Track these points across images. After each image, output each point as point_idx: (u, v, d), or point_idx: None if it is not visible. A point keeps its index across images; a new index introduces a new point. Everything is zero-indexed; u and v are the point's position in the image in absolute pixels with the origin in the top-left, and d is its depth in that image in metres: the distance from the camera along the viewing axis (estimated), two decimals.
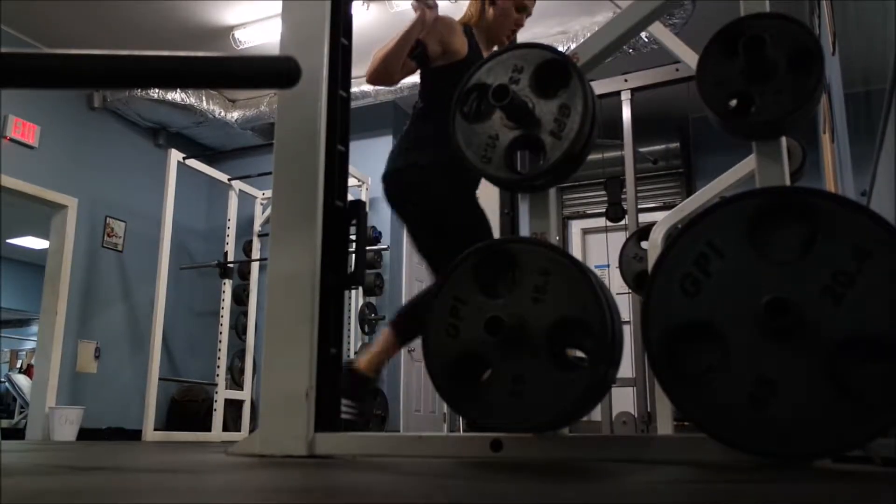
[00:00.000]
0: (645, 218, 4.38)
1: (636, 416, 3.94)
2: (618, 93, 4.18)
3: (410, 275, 6.33)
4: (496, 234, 2.50)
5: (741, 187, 1.91)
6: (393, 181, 2.23)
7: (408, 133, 2.30)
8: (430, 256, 2.17)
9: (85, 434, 5.13)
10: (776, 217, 1.13)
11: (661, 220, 2.99)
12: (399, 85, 5.10)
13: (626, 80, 4.19)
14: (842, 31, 2.82)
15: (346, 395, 2.13)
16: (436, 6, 2.17)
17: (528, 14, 2.36)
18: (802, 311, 1.06)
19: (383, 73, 2.17)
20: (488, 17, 2.32)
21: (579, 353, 1.33)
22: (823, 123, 3.92)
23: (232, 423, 5.63)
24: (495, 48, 2.41)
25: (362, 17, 4.87)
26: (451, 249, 1.95)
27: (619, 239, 3.93)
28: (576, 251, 6.37)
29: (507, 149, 1.47)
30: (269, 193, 5.75)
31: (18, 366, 10.05)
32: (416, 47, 2.16)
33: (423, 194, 2.18)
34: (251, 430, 4.36)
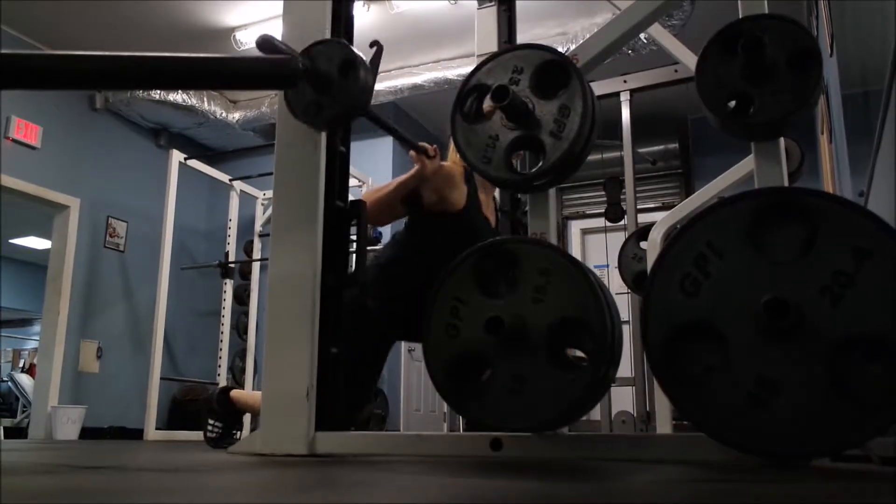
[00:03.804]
0: (644, 218, 4.38)
1: (635, 415, 3.94)
2: (617, 94, 4.18)
3: None
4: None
5: (740, 188, 1.91)
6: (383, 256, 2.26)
7: (385, 256, 2.27)
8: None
9: (87, 433, 5.15)
10: (775, 217, 1.14)
11: (661, 221, 2.99)
12: (399, 86, 5.14)
13: (625, 81, 4.19)
14: (839, 32, 2.82)
15: (214, 416, 2.38)
16: (437, 156, 2.12)
17: None
18: (802, 312, 1.06)
19: (373, 216, 2.14)
20: None
21: (579, 353, 1.34)
22: (821, 124, 3.92)
23: None
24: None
25: (363, 18, 4.87)
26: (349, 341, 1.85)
27: (618, 239, 3.93)
28: (575, 251, 6.37)
29: (506, 149, 1.47)
30: (269, 194, 5.76)
31: (21, 365, 10.06)
32: (410, 193, 2.12)
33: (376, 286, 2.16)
34: (252, 430, 4.36)
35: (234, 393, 2.42)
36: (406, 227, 2.28)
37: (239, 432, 2.46)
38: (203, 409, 2.48)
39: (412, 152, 2.09)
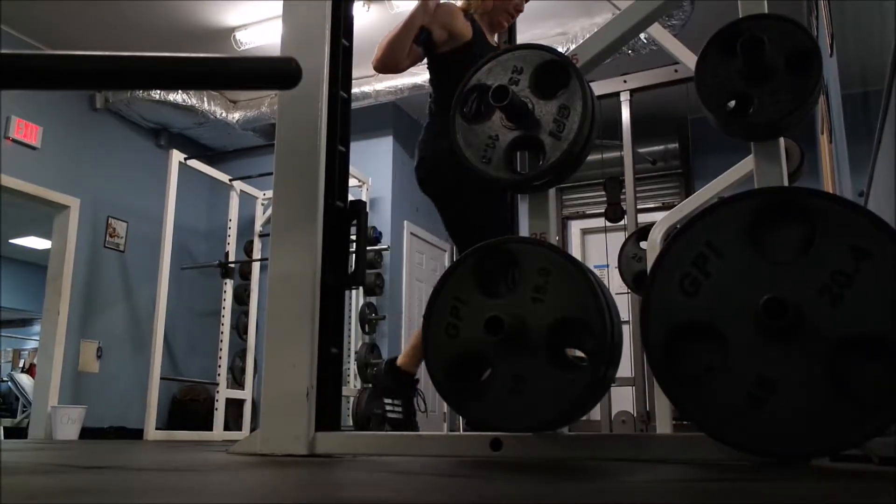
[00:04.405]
0: (644, 218, 4.38)
1: (635, 415, 3.95)
2: (617, 94, 4.18)
3: (410, 275, 6.34)
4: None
5: (740, 188, 1.91)
6: (420, 167, 2.31)
7: (431, 124, 2.33)
8: (456, 244, 2.29)
9: (87, 433, 5.14)
10: (774, 217, 1.14)
11: (660, 221, 2.99)
12: (399, 86, 5.14)
13: (625, 81, 4.19)
14: (839, 31, 2.83)
15: (389, 394, 2.18)
16: None
17: None
18: (801, 311, 1.06)
19: (390, 60, 2.20)
20: (486, 5, 2.36)
21: (579, 353, 1.34)
22: (821, 124, 3.92)
23: (233, 422, 5.64)
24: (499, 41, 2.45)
25: (363, 18, 4.88)
26: (464, 243, 2.04)
27: (618, 239, 3.93)
28: (575, 251, 6.37)
29: (506, 149, 1.47)
30: (269, 194, 5.75)
31: (21, 365, 10.06)
32: (420, 34, 2.20)
33: (441, 184, 2.25)
34: (252, 430, 4.36)
35: (399, 360, 2.27)
36: (431, 83, 2.39)
37: (420, 399, 2.28)
38: (375, 391, 2.23)
39: None
